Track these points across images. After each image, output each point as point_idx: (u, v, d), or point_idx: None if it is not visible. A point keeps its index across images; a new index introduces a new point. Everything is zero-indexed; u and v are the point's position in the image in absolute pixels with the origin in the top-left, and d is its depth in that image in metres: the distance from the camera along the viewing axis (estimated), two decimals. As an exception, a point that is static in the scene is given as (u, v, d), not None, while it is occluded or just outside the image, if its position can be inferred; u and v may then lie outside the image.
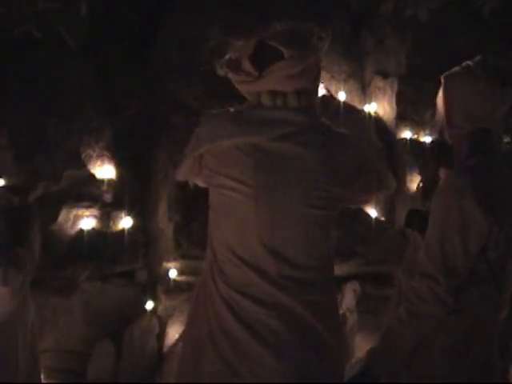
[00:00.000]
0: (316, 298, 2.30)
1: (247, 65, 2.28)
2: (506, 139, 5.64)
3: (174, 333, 4.86)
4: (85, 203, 5.10)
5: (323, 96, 5.85)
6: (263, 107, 2.30)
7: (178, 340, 4.66)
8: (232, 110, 2.38)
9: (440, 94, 2.74)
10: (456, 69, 2.75)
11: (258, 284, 2.23)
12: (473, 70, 2.66)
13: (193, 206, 5.12)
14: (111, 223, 5.10)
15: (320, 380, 2.30)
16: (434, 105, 2.83)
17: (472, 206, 2.42)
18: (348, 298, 5.15)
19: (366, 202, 3.69)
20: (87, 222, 5.02)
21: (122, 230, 5.07)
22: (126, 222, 5.10)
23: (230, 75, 2.33)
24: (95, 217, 5.08)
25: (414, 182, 5.70)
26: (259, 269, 2.22)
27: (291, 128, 2.26)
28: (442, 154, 2.74)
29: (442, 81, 2.72)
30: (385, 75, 6.19)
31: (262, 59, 2.26)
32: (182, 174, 2.49)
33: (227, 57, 2.38)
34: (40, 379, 3.64)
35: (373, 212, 5.55)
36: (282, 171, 2.24)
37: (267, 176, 2.22)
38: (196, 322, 2.43)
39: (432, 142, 3.01)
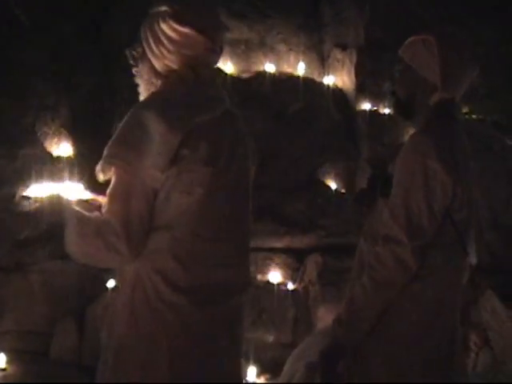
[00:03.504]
0: None
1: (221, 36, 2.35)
2: (465, 109, 5.71)
3: (136, 310, 4.84)
4: (42, 182, 5.02)
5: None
6: (209, 84, 2.30)
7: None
8: (170, 91, 2.25)
9: (423, 53, 2.61)
10: (447, 30, 2.73)
11: None
12: (462, 36, 2.65)
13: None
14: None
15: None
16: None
17: (436, 164, 2.44)
18: (310, 271, 5.18)
19: None
20: (45, 200, 4.94)
21: (81, 209, 5.00)
22: (84, 200, 5.03)
23: (206, 42, 2.24)
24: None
25: (374, 153, 5.75)
26: None
27: (227, 105, 2.33)
28: (382, 187, 2.70)
29: (436, 40, 2.58)
30: (343, 47, 6.18)
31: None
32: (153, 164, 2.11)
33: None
34: None
35: (333, 184, 5.57)
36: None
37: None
38: None
39: (373, 175, 2.96)
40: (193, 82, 2.23)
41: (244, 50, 6.14)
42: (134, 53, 2.31)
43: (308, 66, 6.18)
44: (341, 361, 2.59)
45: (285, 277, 5.23)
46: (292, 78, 5.98)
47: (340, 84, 6.15)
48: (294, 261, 5.33)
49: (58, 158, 5.15)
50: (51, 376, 4.43)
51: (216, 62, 2.35)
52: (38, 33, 5.38)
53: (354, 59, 5.95)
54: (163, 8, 2.22)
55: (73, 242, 2.17)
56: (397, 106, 2.83)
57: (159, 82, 2.27)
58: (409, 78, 2.68)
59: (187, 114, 2.14)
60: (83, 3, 5.65)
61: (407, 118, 2.83)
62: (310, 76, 6.13)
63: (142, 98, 2.35)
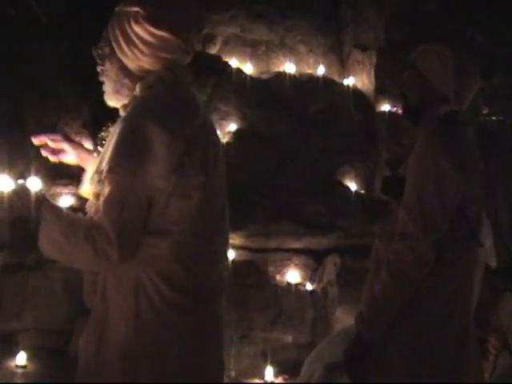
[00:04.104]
0: None
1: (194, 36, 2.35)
2: (485, 111, 5.68)
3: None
4: (63, 181, 5.06)
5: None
6: (188, 86, 2.29)
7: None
8: (162, 96, 2.20)
9: (436, 63, 2.69)
10: (462, 40, 2.81)
11: None
12: (471, 48, 2.73)
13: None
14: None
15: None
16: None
17: (447, 164, 2.55)
18: (328, 271, 5.17)
19: None
20: (65, 199, 4.99)
21: (101, 208, 5.02)
22: (104, 200, 5.06)
23: (181, 44, 2.19)
24: (73, 194, 5.04)
25: (393, 154, 5.74)
26: None
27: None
28: (396, 189, 2.80)
29: (451, 54, 2.67)
30: (363, 48, 6.18)
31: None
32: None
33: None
34: None
35: (352, 185, 5.57)
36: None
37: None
38: None
39: (387, 177, 3.10)
40: (173, 84, 2.20)
41: (264, 51, 6.15)
42: (99, 52, 2.27)
43: (328, 67, 6.19)
44: (366, 358, 2.65)
45: (303, 277, 5.23)
46: (312, 79, 5.98)
47: (360, 85, 6.15)
48: (313, 261, 5.34)
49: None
50: (70, 374, 4.45)
51: (187, 62, 2.30)
52: (58, 32, 5.41)
53: (374, 60, 5.95)
54: (134, 8, 2.14)
55: (50, 239, 2.13)
56: (406, 111, 2.90)
57: (133, 84, 2.22)
58: (419, 84, 2.76)
59: (184, 121, 2.14)
60: (104, 2, 5.68)
61: (414, 124, 2.91)
62: (330, 77, 6.13)
63: (108, 96, 2.34)
